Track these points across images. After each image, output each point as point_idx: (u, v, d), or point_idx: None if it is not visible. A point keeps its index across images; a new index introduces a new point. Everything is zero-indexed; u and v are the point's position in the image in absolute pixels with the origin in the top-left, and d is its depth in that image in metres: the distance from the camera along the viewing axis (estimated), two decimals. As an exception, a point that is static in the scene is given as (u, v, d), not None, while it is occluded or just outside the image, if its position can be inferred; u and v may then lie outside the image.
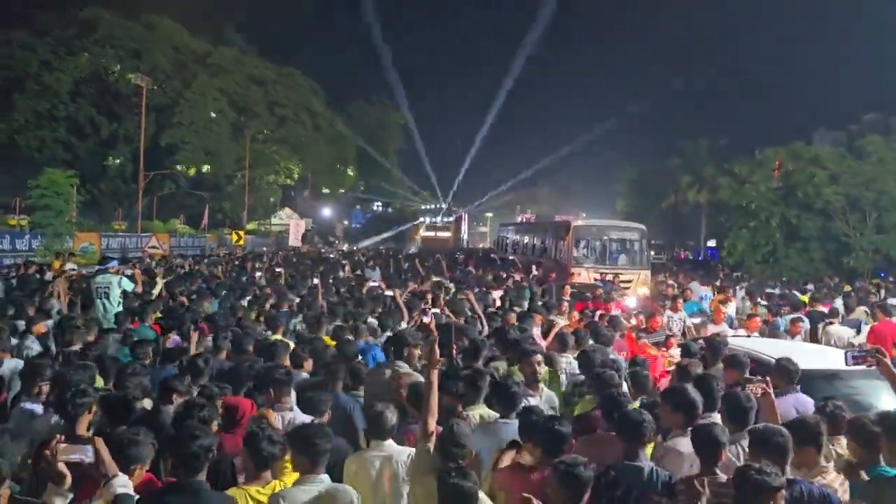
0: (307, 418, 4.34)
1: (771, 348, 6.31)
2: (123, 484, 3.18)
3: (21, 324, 7.76)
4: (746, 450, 3.78)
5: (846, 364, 4.67)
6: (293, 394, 4.76)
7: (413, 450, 3.89)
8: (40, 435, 3.96)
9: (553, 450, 3.73)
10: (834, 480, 3.60)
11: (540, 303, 10.17)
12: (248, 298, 10.94)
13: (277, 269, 15.80)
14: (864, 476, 3.66)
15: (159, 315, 8.68)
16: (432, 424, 3.82)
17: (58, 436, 3.23)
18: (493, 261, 26.84)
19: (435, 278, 13.95)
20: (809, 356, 6.03)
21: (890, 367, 4.37)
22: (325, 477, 3.51)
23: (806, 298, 13.91)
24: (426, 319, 6.83)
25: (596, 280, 16.04)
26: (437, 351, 4.12)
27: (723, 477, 3.47)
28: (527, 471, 3.74)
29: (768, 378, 4.50)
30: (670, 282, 16.44)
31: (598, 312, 9.71)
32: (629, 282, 17.31)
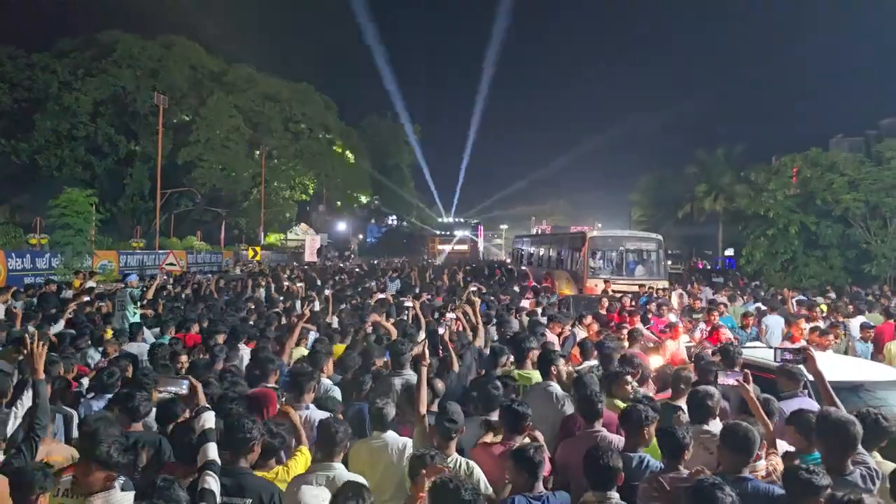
0: (322, 415, 4.80)
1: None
2: (210, 419, 3.58)
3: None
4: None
5: (775, 360, 5.09)
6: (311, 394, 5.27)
7: (408, 440, 4.48)
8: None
9: (513, 426, 4.36)
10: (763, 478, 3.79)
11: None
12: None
13: (298, 284, 16.03)
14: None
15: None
16: (423, 410, 4.55)
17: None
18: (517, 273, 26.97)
19: (472, 287, 14.62)
20: (833, 368, 5.91)
21: (815, 365, 4.67)
22: (339, 465, 3.94)
23: (825, 307, 13.67)
24: (441, 331, 7.43)
25: (615, 293, 15.91)
26: (427, 353, 5.04)
27: (684, 472, 3.72)
28: (490, 446, 4.39)
29: (747, 371, 4.62)
30: (699, 296, 16.06)
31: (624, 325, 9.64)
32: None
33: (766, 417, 4.29)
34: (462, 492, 3.07)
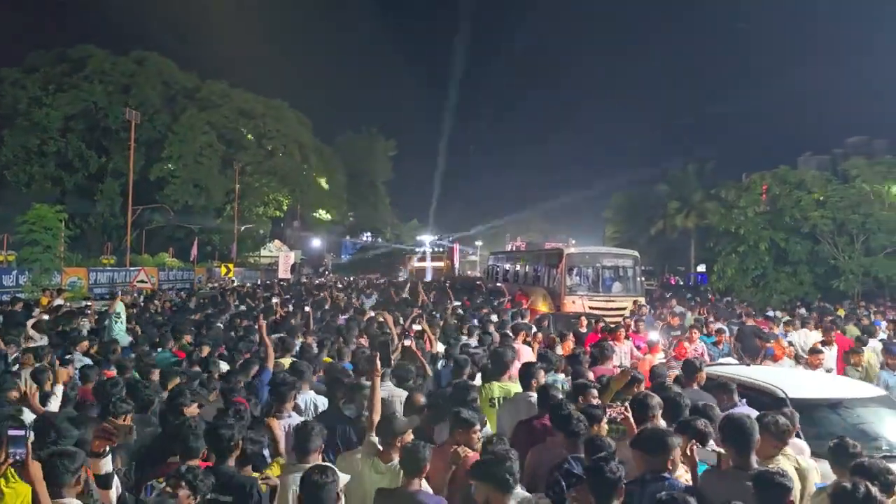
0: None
1: (774, 378, 6.21)
2: (107, 463, 3.76)
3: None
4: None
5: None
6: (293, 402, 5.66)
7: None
8: None
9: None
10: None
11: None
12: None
13: (274, 300, 16.01)
14: None
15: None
16: (375, 419, 4.77)
17: None
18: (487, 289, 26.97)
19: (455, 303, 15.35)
20: (815, 386, 5.98)
21: (630, 423, 4.77)
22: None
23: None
24: (407, 343, 8.02)
25: (591, 309, 16.03)
26: (379, 364, 5.36)
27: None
28: (441, 448, 4.70)
29: (627, 405, 4.96)
30: (677, 309, 16.18)
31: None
32: (623, 309, 17.23)
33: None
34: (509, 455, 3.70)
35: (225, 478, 3.95)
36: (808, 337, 11.13)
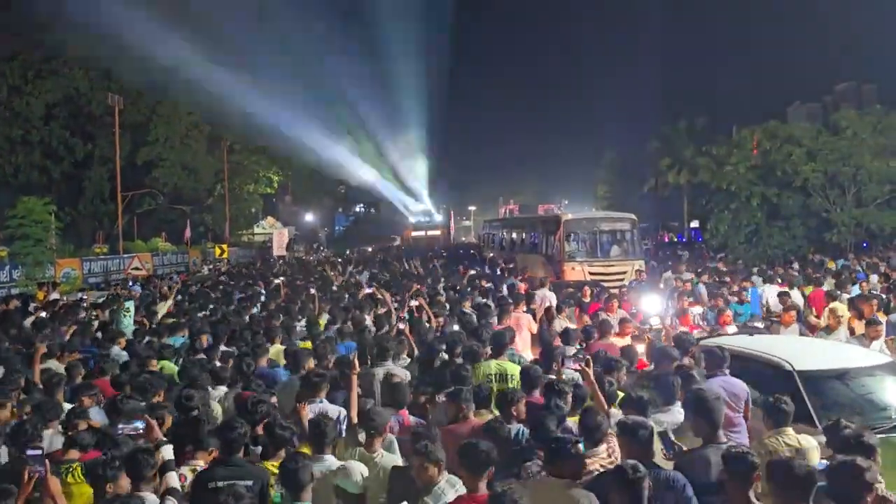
0: (332, 408, 5.33)
1: (780, 349, 6.06)
2: (168, 452, 4.16)
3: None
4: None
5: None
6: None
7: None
8: None
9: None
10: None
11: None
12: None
13: (276, 281, 15.95)
14: None
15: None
16: (354, 415, 4.97)
17: None
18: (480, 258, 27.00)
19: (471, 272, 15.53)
20: (822, 356, 5.91)
21: (591, 376, 5.05)
22: (330, 457, 4.43)
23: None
24: (401, 326, 8.06)
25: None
26: (356, 362, 5.41)
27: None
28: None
29: (589, 357, 5.22)
30: (686, 275, 16.08)
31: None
32: (623, 273, 17.29)
33: (603, 402, 4.90)
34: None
35: (238, 470, 4.17)
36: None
